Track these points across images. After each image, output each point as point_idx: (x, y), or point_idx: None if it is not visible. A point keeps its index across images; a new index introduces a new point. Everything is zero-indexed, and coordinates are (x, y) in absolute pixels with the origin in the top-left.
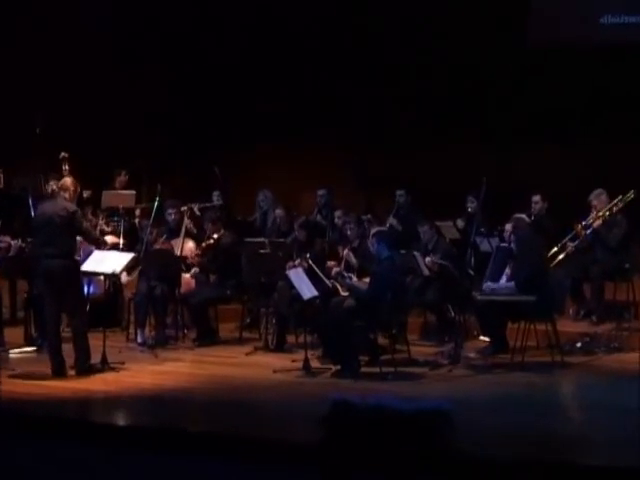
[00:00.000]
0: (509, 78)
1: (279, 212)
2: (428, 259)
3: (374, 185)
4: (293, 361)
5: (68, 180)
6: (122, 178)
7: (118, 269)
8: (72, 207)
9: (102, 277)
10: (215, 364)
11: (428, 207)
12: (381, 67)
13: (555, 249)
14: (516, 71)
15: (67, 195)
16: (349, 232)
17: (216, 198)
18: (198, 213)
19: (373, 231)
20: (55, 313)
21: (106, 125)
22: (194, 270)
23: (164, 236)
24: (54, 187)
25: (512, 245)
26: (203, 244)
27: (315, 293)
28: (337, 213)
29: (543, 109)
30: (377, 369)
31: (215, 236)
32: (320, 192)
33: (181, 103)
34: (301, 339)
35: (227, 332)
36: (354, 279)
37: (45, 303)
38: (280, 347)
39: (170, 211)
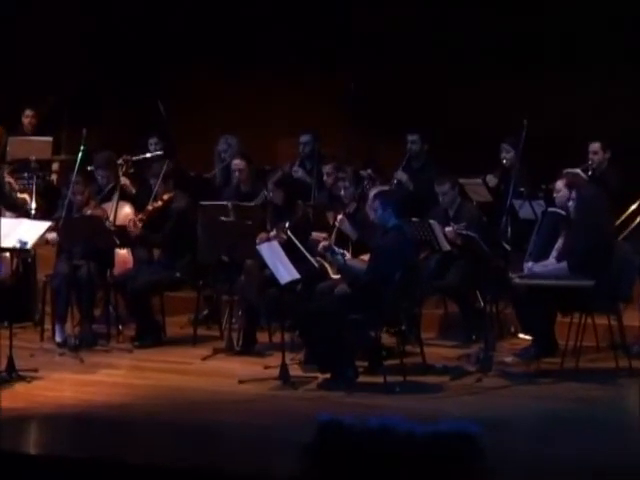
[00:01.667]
0: None
1: (237, 163)
2: (449, 229)
3: (377, 128)
4: (266, 368)
5: None
6: (28, 119)
7: (30, 243)
8: None
9: (7, 254)
10: (161, 372)
11: (449, 158)
12: None
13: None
14: None
15: None
16: (342, 192)
17: (153, 147)
18: (131, 169)
19: (375, 191)
20: None
21: (10, 48)
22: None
23: (97, 198)
24: None
25: (571, 205)
26: (149, 207)
27: (296, 275)
28: (326, 168)
29: (598, 25)
30: (380, 378)
31: (165, 197)
32: (303, 138)
33: (111, 17)
34: (277, 338)
35: (177, 329)
36: (349, 256)
37: None
38: (248, 349)
39: (101, 173)
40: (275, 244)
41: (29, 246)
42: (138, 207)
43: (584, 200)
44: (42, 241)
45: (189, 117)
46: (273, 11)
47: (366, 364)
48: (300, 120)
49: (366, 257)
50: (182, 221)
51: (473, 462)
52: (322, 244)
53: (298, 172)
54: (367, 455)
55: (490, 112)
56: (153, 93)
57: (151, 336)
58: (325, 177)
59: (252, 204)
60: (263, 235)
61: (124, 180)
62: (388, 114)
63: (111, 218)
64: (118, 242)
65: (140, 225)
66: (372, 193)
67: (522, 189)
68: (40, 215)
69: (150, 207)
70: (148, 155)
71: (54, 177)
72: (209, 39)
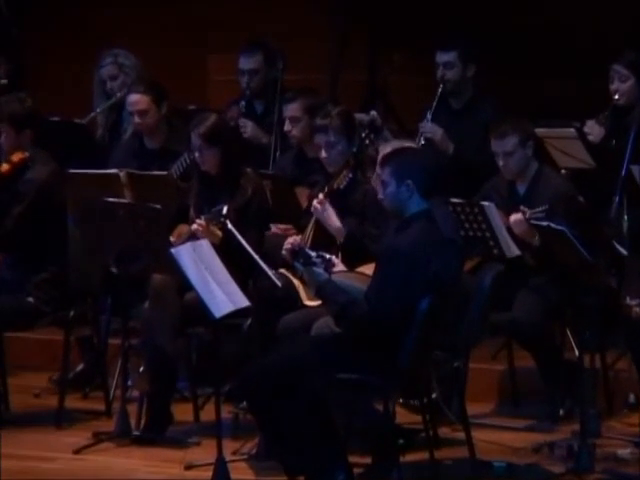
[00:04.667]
0: None
1: (136, 100)
2: (516, 218)
3: (385, 40)
4: (188, 468)
5: None
6: None
7: None
8: None
9: None
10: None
11: (516, 92)
12: None
13: None
14: None
15: None
16: (324, 154)
17: None
18: None
19: (385, 151)
20: None
21: None
22: None
23: None
24: None
25: None
26: None
27: (242, 302)
28: (289, 109)
29: None
30: None
31: (15, 159)
32: (246, 62)
33: None
34: (208, 414)
35: (29, 397)
36: (339, 267)
37: None
38: (157, 433)
39: None
40: (205, 245)
41: None
42: None
43: None
44: None
45: (55, 22)
46: None
47: (369, 461)
48: (248, 26)
49: (368, 268)
50: (42, 203)
51: None
52: (288, 244)
53: (247, 126)
54: None
55: (589, 9)
56: None
57: None
58: (287, 127)
59: (164, 173)
60: (184, 229)
61: None
62: (404, 16)
63: None
64: None
65: None
66: (380, 155)
67: None
68: None
69: None
70: None
71: None
72: None
